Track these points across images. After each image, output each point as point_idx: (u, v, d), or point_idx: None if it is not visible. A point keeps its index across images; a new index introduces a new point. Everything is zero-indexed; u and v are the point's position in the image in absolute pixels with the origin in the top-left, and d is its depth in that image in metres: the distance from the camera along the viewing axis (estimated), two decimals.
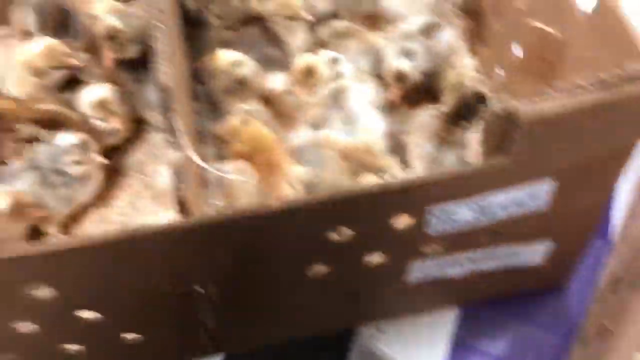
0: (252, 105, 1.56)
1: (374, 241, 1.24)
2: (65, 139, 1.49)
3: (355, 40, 1.82)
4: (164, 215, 1.67)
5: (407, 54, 1.72)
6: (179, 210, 1.08)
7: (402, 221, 1.22)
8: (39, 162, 1.49)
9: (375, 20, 1.95)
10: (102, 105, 1.59)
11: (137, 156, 1.79)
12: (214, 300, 1.22)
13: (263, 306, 1.33)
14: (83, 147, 1.49)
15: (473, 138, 1.58)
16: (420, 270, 1.37)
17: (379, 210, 1.15)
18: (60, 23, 1.75)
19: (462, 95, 1.68)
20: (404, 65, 1.69)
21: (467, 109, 1.65)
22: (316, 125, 1.64)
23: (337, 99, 1.64)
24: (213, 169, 1.25)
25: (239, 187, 1.40)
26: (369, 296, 1.41)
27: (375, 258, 1.29)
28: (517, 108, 1.05)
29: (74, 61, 1.62)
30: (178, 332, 1.32)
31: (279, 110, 1.59)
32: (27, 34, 1.69)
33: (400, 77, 1.68)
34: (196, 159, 1.13)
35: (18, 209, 1.39)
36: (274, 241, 1.14)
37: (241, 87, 1.57)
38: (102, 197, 1.69)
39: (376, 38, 1.85)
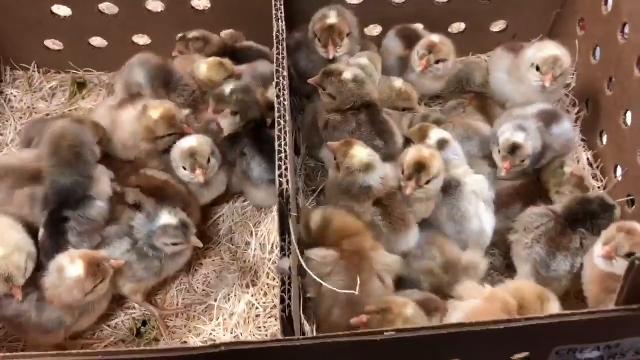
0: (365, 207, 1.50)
1: None
2: (166, 219, 1.47)
3: (454, 124, 1.76)
4: (249, 292, 1.64)
5: (521, 129, 1.62)
6: (283, 327, 1.00)
7: (521, 357, 1.10)
8: (137, 234, 1.49)
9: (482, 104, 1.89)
10: (191, 154, 1.58)
11: (227, 224, 1.78)
12: None
13: None
14: (182, 228, 1.46)
15: (595, 249, 1.45)
16: None
17: (499, 346, 1.04)
18: (164, 82, 1.77)
19: (581, 199, 1.57)
20: (519, 137, 1.60)
21: (585, 214, 1.52)
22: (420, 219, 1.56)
23: (448, 198, 1.57)
24: (315, 276, 1.18)
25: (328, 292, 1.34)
26: None
27: None
28: None
29: (189, 129, 1.63)
30: None
31: (391, 214, 1.50)
32: (136, 96, 1.70)
33: (514, 148, 1.59)
34: (303, 263, 1.06)
35: (93, 269, 1.38)
36: None
37: (365, 195, 1.50)
38: (189, 264, 1.68)
39: (478, 124, 1.79)
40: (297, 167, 1.75)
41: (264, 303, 1.60)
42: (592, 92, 1.88)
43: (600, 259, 1.41)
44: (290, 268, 1.04)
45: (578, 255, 1.52)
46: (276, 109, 1.20)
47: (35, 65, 2.10)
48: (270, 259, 1.66)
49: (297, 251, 1.05)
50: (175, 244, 1.47)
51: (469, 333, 1.00)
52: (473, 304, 1.29)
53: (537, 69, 1.71)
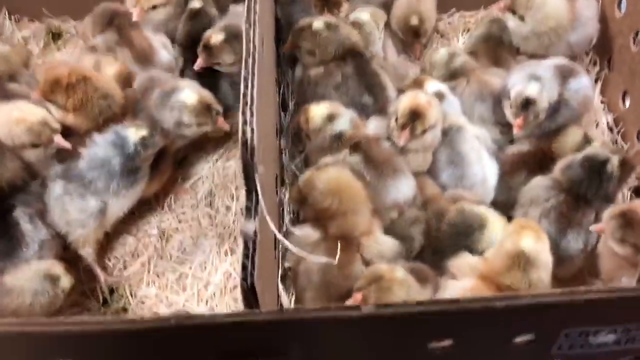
0: (343, 155, 1.34)
1: (481, 356, 0.98)
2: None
3: (469, 79, 1.58)
4: (227, 261, 1.51)
5: (534, 78, 1.44)
6: (244, 299, 0.85)
7: (524, 339, 0.95)
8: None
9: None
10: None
11: (207, 186, 1.63)
12: None
13: None
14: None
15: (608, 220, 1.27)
16: None
17: (499, 327, 0.89)
18: None
19: (588, 162, 1.38)
20: (533, 89, 1.41)
21: (594, 181, 1.34)
22: (417, 174, 1.40)
23: (447, 140, 1.40)
24: (288, 243, 1.02)
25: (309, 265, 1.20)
26: None
27: None
28: None
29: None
30: None
31: (374, 158, 1.33)
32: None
33: (527, 102, 1.40)
34: (272, 227, 0.90)
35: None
36: (356, 349, 0.90)
37: (338, 142, 1.35)
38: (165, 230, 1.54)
39: (492, 78, 1.61)
40: (282, 124, 1.59)
41: None
42: (615, 48, 1.69)
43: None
44: (255, 232, 0.89)
45: (591, 232, 1.34)
46: (244, 42, 1.02)
47: (6, 12, 1.93)
48: None
49: (265, 212, 0.90)
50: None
51: (464, 311, 0.85)
52: (466, 285, 1.13)
53: None
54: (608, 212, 1.26)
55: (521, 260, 1.11)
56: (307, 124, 1.40)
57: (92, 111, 1.38)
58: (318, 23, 1.51)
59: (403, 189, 1.35)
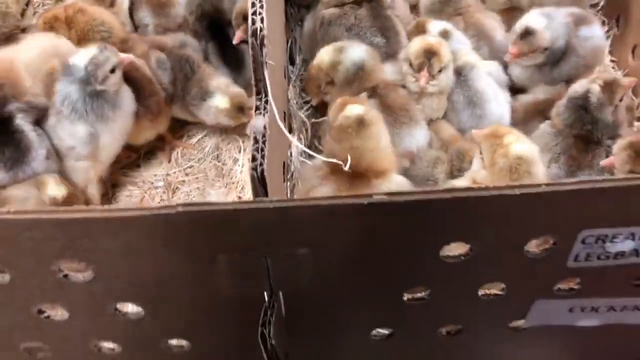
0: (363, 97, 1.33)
1: (498, 268, 0.95)
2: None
3: (468, 24, 1.57)
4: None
5: (544, 15, 1.44)
6: (253, 188, 0.84)
7: (538, 245, 0.93)
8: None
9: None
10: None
11: (214, 140, 1.62)
12: (280, 312, 0.96)
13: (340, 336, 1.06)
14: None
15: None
16: (543, 313, 1.06)
17: (514, 225, 0.87)
18: None
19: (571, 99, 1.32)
20: (536, 21, 1.40)
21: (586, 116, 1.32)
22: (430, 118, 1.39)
23: (462, 79, 1.40)
24: (295, 141, 1.01)
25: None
26: (472, 336, 1.11)
27: (493, 288, 1.00)
28: None
29: None
30: (236, 346, 1.07)
31: (391, 105, 1.33)
32: None
33: (527, 32, 1.40)
34: (281, 124, 0.89)
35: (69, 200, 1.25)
36: (366, 245, 0.88)
37: (361, 72, 1.35)
38: (171, 182, 1.53)
39: (493, 24, 1.57)
40: (290, 76, 1.59)
41: None
42: (623, 5, 1.69)
43: None
44: (265, 127, 0.88)
45: (602, 173, 1.32)
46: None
47: None
48: None
49: (275, 109, 0.88)
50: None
51: (475, 199, 0.83)
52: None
53: None
54: (617, 145, 1.25)
55: (523, 166, 1.10)
56: (319, 70, 1.39)
57: (94, 39, 1.39)
58: None
59: (418, 137, 1.36)
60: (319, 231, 0.85)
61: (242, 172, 1.54)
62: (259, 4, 0.90)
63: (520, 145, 1.16)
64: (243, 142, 1.60)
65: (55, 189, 1.22)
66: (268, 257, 0.87)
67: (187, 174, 1.56)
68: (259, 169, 0.83)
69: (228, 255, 0.86)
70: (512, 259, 0.94)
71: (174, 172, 1.56)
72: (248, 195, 1.47)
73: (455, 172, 1.31)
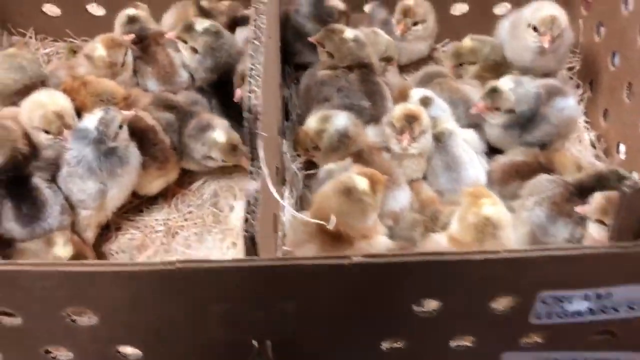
0: (344, 164, 1.45)
1: (467, 322, 1.05)
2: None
3: (441, 88, 1.68)
4: (229, 253, 1.58)
5: (514, 81, 1.56)
6: (246, 247, 0.93)
7: (503, 303, 1.02)
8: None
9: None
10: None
11: (212, 187, 1.73)
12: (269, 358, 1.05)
13: None
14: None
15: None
16: None
17: (478, 285, 0.96)
18: None
19: (595, 172, 1.44)
20: (504, 83, 1.53)
21: (598, 184, 1.42)
22: (411, 179, 1.50)
23: (442, 145, 1.53)
24: (287, 205, 1.11)
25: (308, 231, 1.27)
26: None
27: (465, 341, 1.09)
28: None
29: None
30: None
31: (375, 169, 1.43)
32: None
33: (493, 91, 1.53)
34: (272, 189, 0.99)
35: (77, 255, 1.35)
36: (346, 300, 0.97)
37: (344, 140, 1.48)
38: (171, 226, 1.63)
39: (467, 89, 1.70)
40: (285, 131, 1.70)
41: None
42: (595, 71, 1.82)
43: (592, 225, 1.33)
44: (257, 190, 0.98)
45: (579, 225, 1.41)
46: (252, 25, 1.14)
47: (33, 32, 2.08)
48: None
49: (267, 175, 0.99)
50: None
51: (443, 263, 0.93)
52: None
53: (535, 29, 1.64)
54: (594, 196, 1.34)
55: (489, 227, 1.20)
56: (306, 136, 1.52)
57: (99, 105, 1.52)
58: (349, 33, 1.66)
59: (401, 199, 1.47)
60: (303, 287, 0.95)
61: (238, 220, 1.63)
62: (255, 84, 1.01)
63: (492, 208, 1.26)
64: (240, 190, 1.70)
65: (62, 250, 1.32)
66: (257, 309, 0.96)
67: (186, 219, 1.65)
68: (250, 231, 0.93)
69: (220, 306, 0.96)
70: (479, 314, 1.03)
71: (174, 217, 1.65)
72: (242, 242, 1.55)
73: (430, 232, 1.41)
